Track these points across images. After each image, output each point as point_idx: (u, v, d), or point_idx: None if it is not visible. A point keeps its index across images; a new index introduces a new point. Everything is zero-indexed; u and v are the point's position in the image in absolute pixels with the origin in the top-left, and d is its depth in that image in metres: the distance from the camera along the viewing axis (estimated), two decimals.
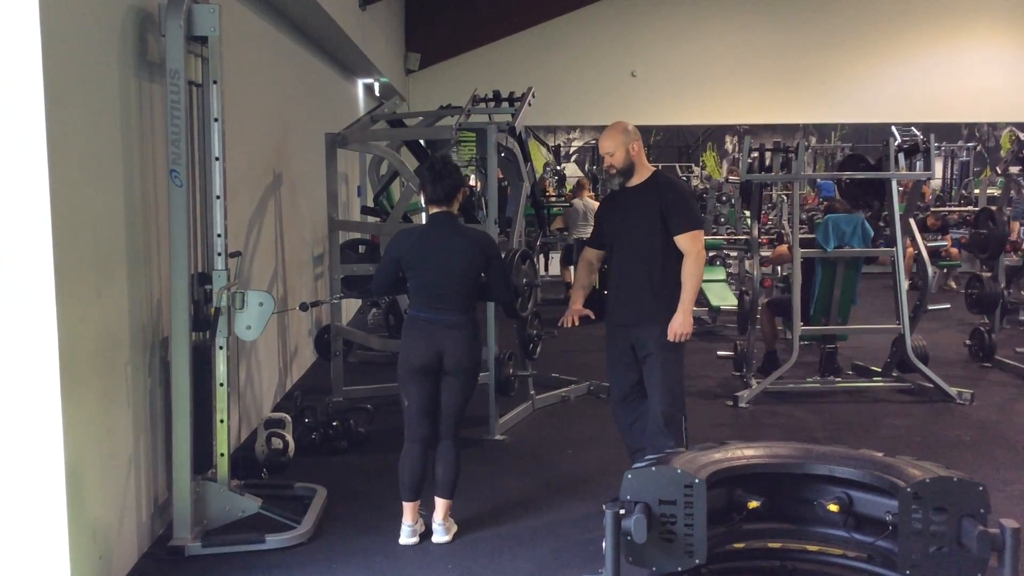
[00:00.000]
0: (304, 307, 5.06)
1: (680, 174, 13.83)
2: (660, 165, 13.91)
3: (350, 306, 9.48)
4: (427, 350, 3.69)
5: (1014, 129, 9.23)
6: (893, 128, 11.07)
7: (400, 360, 3.77)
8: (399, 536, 3.75)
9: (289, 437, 4.75)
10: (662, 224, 3.86)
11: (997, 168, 12.75)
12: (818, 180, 13.35)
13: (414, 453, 3.76)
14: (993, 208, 7.34)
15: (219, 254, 3.68)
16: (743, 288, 7.34)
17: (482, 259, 3.75)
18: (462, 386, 3.77)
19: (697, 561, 2.96)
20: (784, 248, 6.64)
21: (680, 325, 3.82)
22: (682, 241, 3.86)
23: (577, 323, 4.16)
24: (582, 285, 4.29)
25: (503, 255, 4.30)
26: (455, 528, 3.84)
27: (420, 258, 3.72)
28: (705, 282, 7.74)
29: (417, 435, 3.77)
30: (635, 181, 3.99)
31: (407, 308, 3.87)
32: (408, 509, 3.75)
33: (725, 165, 15.00)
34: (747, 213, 8.26)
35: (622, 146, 3.93)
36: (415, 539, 3.73)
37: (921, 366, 6.18)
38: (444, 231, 3.74)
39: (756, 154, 7.56)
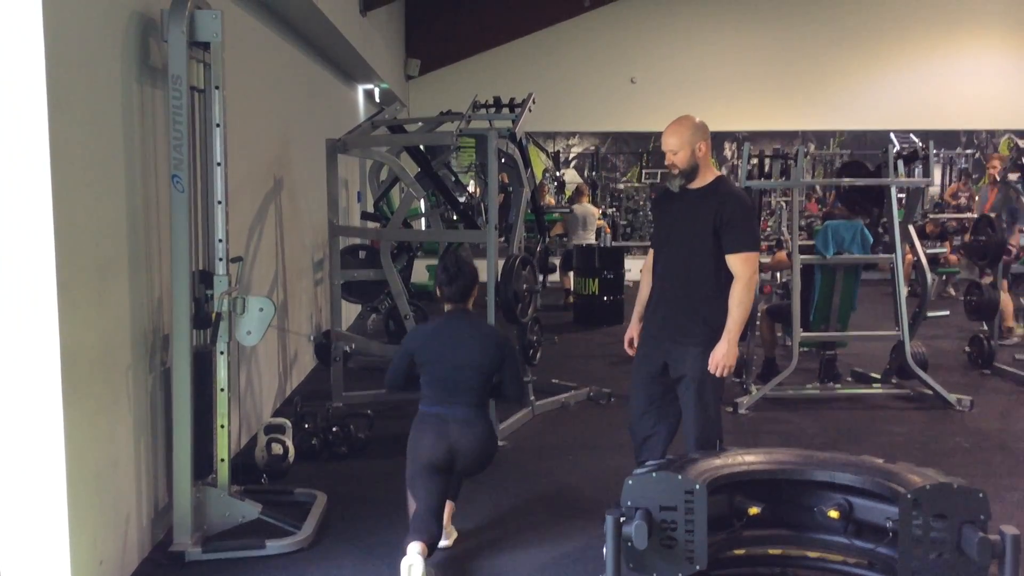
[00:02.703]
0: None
1: None
2: (658, 172, 14.07)
3: (350, 311, 9.48)
4: (437, 445, 3.56)
5: (1012, 136, 9.27)
6: (892, 135, 11.09)
7: (409, 457, 3.63)
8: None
9: (289, 443, 4.75)
10: (714, 238, 3.54)
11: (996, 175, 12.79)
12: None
13: (426, 519, 3.46)
14: (992, 215, 7.35)
15: (220, 259, 3.68)
16: None
17: (497, 356, 3.68)
18: (476, 472, 3.76)
19: (698, 567, 2.96)
20: (783, 255, 6.65)
21: (724, 356, 3.51)
22: (734, 262, 3.53)
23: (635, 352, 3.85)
24: (643, 300, 3.87)
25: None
26: (455, 533, 3.83)
27: (434, 351, 3.66)
28: None
29: (422, 528, 3.45)
30: (695, 184, 3.63)
31: (419, 405, 3.72)
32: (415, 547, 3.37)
33: (724, 171, 15.03)
34: None
35: (688, 145, 3.56)
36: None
37: (920, 373, 6.19)
38: (459, 325, 3.71)
39: (755, 160, 7.58)
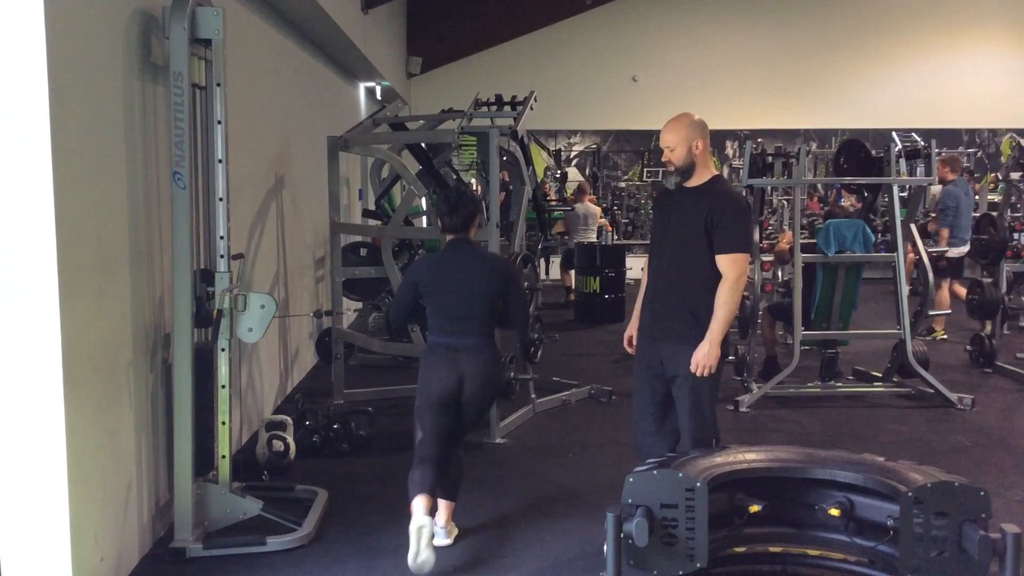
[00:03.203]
0: (318, 315, 5.06)
1: None
2: (660, 170, 14.04)
3: (351, 309, 9.48)
4: (448, 375, 3.60)
5: (1014, 135, 9.23)
6: (894, 133, 11.05)
7: (419, 391, 3.66)
8: (410, 532, 3.37)
9: (290, 439, 4.76)
10: (707, 237, 3.50)
11: (998, 174, 12.78)
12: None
13: (423, 468, 3.55)
14: (994, 214, 7.35)
15: (222, 256, 3.68)
16: (744, 293, 7.34)
17: (502, 283, 3.70)
18: (480, 410, 3.75)
19: (698, 565, 2.96)
20: (784, 244, 6.63)
21: (705, 357, 3.45)
22: (723, 262, 3.48)
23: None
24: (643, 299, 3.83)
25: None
26: (456, 531, 3.83)
27: (439, 281, 3.67)
28: None
29: (427, 457, 3.59)
30: (692, 182, 3.58)
31: (427, 336, 3.76)
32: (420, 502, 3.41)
33: (726, 170, 15.02)
34: None
35: (685, 142, 3.50)
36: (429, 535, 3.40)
37: (922, 371, 6.18)
38: (463, 256, 3.71)
39: (757, 159, 7.55)
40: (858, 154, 6.83)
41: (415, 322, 3.80)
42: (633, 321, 3.87)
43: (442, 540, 3.74)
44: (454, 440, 3.75)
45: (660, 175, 13.95)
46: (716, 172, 3.67)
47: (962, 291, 7.98)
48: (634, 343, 3.85)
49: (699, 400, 3.56)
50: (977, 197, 11.94)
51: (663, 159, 3.61)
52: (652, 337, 3.69)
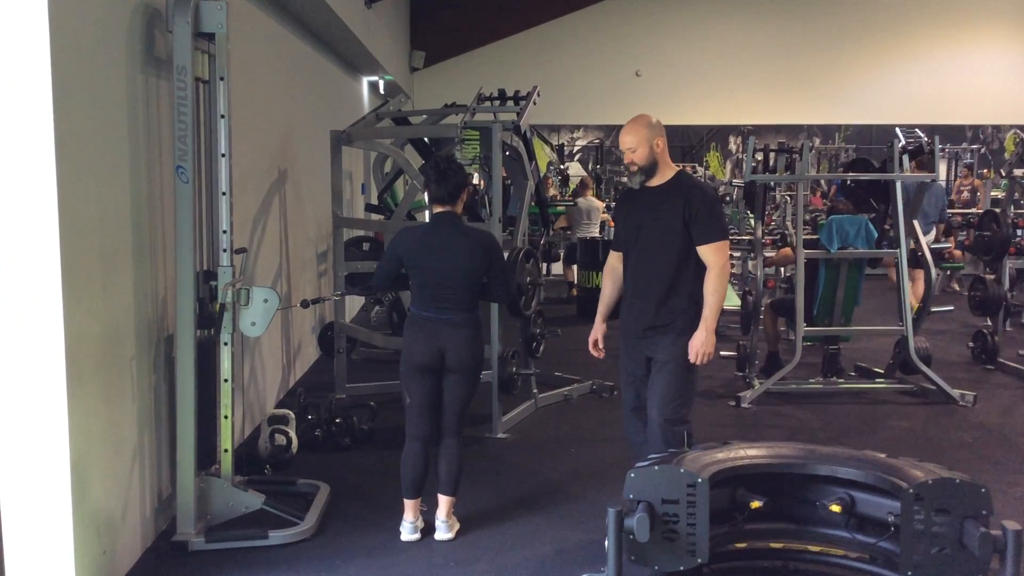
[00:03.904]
0: (305, 304, 5.08)
1: None
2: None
3: (353, 303, 9.49)
4: (428, 347, 3.68)
5: (1018, 131, 9.22)
6: (897, 130, 11.04)
7: (402, 357, 3.77)
8: (400, 533, 3.75)
9: (292, 434, 4.77)
10: (684, 231, 3.57)
11: (1001, 170, 12.75)
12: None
13: (415, 451, 3.76)
14: (997, 210, 7.33)
15: (225, 250, 3.69)
16: (746, 289, 7.34)
17: (485, 259, 3.73)
18: (464, 383, 3.77)
19: (699, 560, 2.96)
20: (788, 250, 6.64)
21: (702, 344, 3.54)
22: (706, 252, 3.57)
23: (603, 355, 3.90)
24: (607, 302, 3.93)
25: (507, 254, 4.25)
26: (457, 525, 3.84)
27: (422, 256, 3.71)
28: None
29: (419, 432, 3.77)
30: (656, 181, 3.67)
31: (409, 306, 3.85)
32: (409, 506, 3.76)
33: (729, 165, 15.01)
34: (751, 214, 8.25)
35: (646, 142, 3.60)
36: (416, 535, 3.74)
37: (924, 368, 6.18)
38: (447, 230, 3.73)
39: (760, 155, 7.55)
40: (866, 170, 6.85)
41: (398, 290, 3.86)
42: (597, 324, 3.90)
43: (444, 534, 3.76)
44: (443, 415, 3.79)
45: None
46: (678, 167, 3.77)
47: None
48: (600, 346, 3.90)
49: (674, 380, 3.60)
50: (980, 194, 11.96)
51: (625, 161, 3.70)
52: (636, 337, 3.73)
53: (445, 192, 3.73)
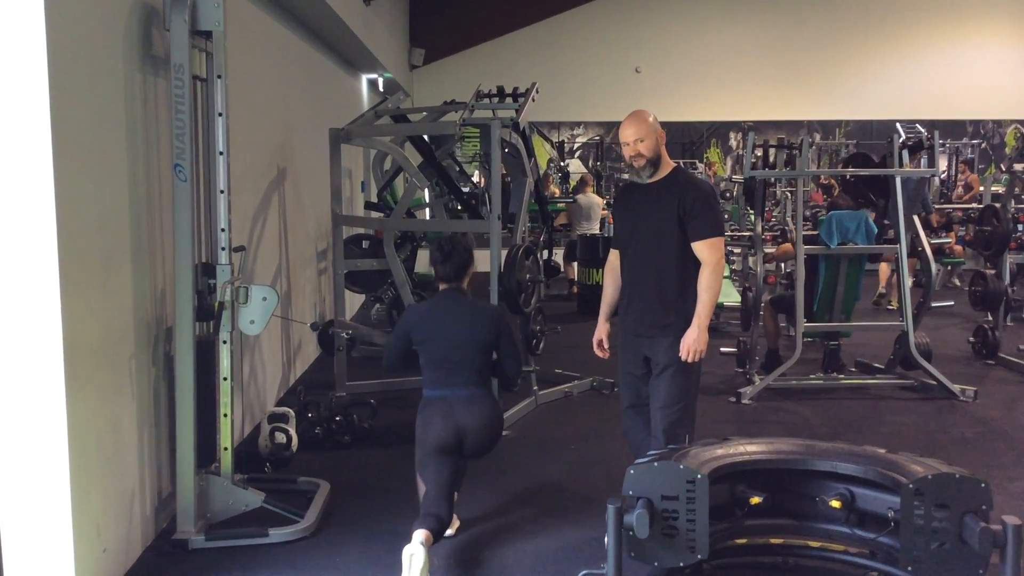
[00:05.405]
0: (315, 327, 5.07)
1: None
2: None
3: (353, 301, 9.49)
4: (445, 427, 3.55)
5: (1019, 126, 9.20)
6: (898, 125, 11.04)
7: (417, 443, 3.62)
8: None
9: (292, 432, 4.77)
10: (680, 227, 3.56)
11: (1002, 165, 12.76)
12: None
13: (428, 518, 3.39)
14: (997, 205, 7.32)
15: (223, 248, 3.68)
16: (746, 285, 7.34)
17: (493, 331, 3.68)
18: (484, 454, 3.73)
19: (699, 556, 2.96)
20: (788, 246, 6.63)
21: (694, 341, 3.51)
22: (700, 249, 3.55)
23: (607, 355, 3.88)
24: (609, 301, 3.89)
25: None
26: (458, 522, 3.84)
27: (431, 331, 3.66)
28: None
29: (434, 514, 3.42)
30: (655, 177, 3.64)
31: (422, 388, 3.73)
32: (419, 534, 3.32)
33: (729, 162, 14.99)
34: (751, 210, 8.25)
35: (652, 132, 3.57)
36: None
37: (924, 363, 6.18)
38: (454, 305, 3.70)
39: (760, 151, 7.54)
40: (866, 166, 6.85)
41: (409, 368, 3.81)
42: (600, 324, 3.87)
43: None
44: (457, 484, 3.70)
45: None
46: (674, 164, 3.73)
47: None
48: (605, 346, 3.87)
49: (675, 388, 3.58)
50: (981, 188, 11.94)
51: (630, 154, 3.62)
52: (635, 335, 3.71)
53: (451, 271, 3.73)
